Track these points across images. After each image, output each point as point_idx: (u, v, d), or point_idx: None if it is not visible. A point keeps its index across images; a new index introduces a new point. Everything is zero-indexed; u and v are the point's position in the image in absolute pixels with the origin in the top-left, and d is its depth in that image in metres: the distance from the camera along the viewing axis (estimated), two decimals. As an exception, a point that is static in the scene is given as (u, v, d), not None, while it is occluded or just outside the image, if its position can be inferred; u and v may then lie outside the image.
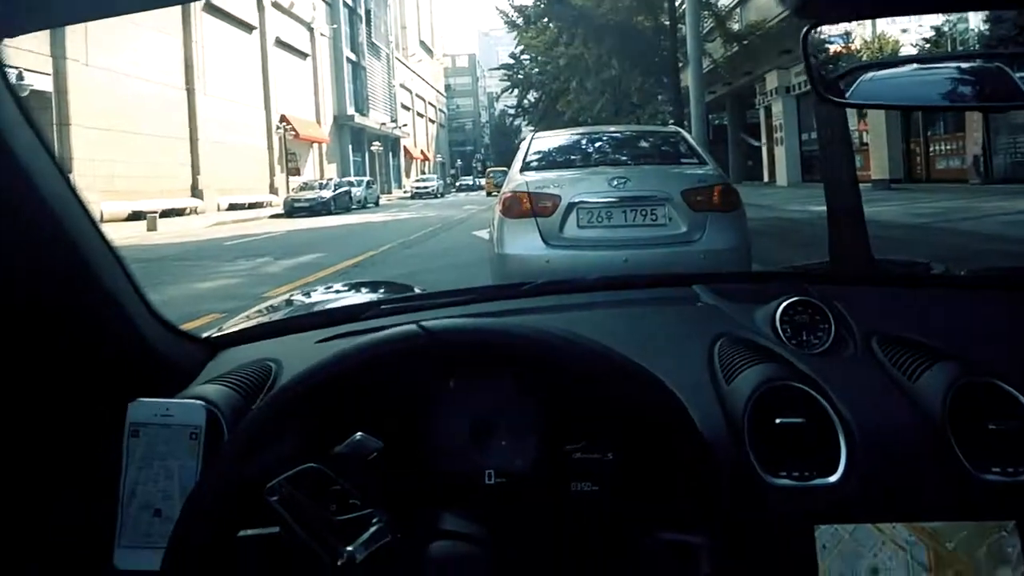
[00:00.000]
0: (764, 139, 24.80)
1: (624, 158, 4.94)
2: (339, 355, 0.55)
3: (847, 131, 5.82)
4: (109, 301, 0.82)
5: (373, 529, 0.55)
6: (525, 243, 4.26)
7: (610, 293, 1.27)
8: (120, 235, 15.07)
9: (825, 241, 5.54)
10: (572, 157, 4.94)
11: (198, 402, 0.77)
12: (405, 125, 53.38)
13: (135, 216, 18.74)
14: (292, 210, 23.16)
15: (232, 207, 25.45)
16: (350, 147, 40.85)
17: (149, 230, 16.64)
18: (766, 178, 24.85)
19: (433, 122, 71.03)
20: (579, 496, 0.85)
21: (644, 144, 5.30)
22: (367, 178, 33.23)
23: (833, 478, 0.83)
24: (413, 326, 0.55)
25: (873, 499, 0.83)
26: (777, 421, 0.86)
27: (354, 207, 26.73)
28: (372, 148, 44.14)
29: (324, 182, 26.65)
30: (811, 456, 0.85)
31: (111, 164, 18.95)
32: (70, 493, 0.86)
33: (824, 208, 5.60)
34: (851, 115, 13.04)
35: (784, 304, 1.06)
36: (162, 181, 21.86)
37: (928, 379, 0.90)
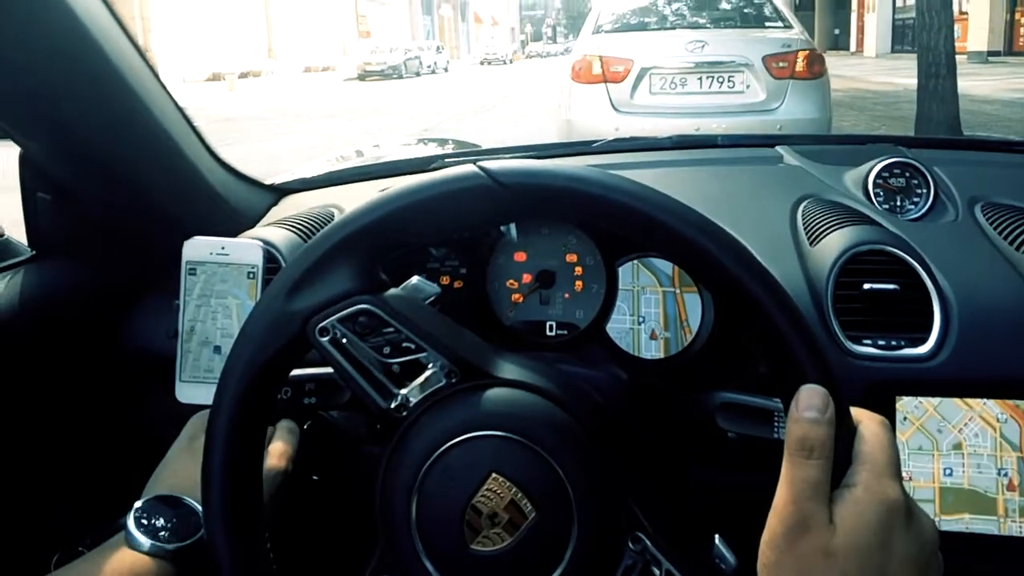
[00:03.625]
0: (855, 5, 22.87)
1: (703, 20, 4.71)
2: (392, 194, 0.51)
3: (950, -6, 5.36)
4: (174, 149, 0.87)
5: (428, 373, 0.53)
6: (594, 109, 4.20)
7: (686, 153, 1.19)
8: (202, 96, 15.41)
9: (912, 115, 5.26)
10: (647, 19, 4.74)
11: (255, 241, 0.76)
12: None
13: (214, 78, 19.23)
14: (364, 74, 23.69)
15: (307, 70, 25.64)
16: (420, 9, 39.66)
17: (230, 90, 16.95)
18: (853, 47, 23.27)
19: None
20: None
21: (725, 5, 5.01)
22: (437, 43, 32.59)
23: (923, 349, 0.78)
24: (471, 167, 0.51)
25: (965, 374, 0.76)
26: (865, 287, 0.80)
27: (424, 72, 26.41)
28: (441, 12, 42.80)
29: (394, 47, 26.30)
30: (900, 326, 0.79)
31: (190, 29, 19.15)
32: (139, 326, 0.92)
33: (912, 81, 5.29)
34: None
35: (879, 165, 0.96)
36: (238, 45, 22.16)
37: None
